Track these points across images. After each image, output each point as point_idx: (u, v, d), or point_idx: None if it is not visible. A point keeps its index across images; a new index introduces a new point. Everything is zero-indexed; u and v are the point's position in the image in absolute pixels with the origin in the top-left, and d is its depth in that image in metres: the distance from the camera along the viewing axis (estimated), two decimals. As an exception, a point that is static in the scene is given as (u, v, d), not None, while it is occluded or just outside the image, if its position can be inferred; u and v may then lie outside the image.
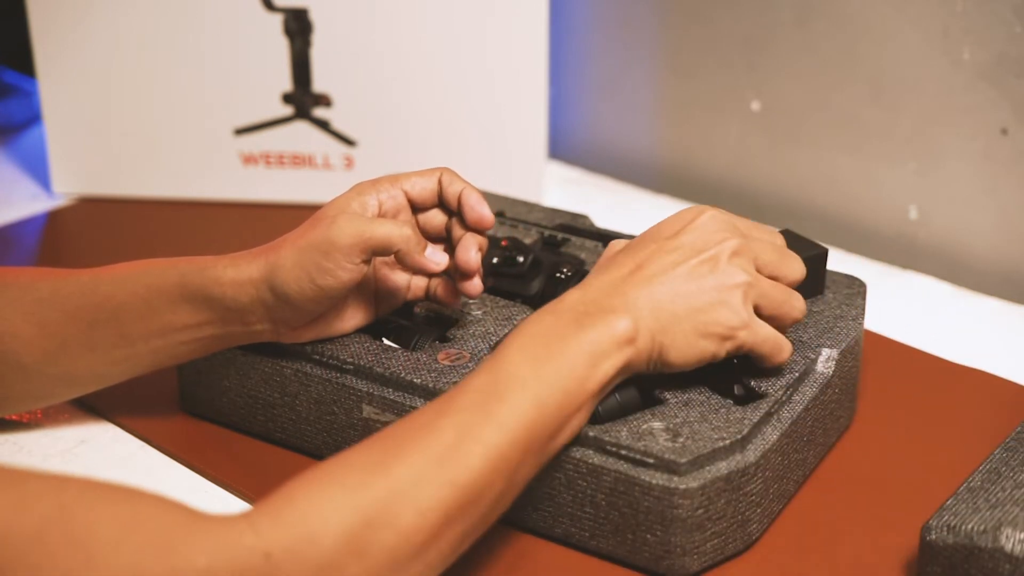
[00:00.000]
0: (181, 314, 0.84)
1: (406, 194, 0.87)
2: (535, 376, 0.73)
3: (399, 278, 0.90)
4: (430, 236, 0.89)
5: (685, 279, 0.79)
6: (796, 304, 0.82)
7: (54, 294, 0.85)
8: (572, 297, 0.78)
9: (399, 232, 0.82)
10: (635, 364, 0.78)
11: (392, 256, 0.84)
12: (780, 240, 0.85)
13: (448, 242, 0.89)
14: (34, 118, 1.44)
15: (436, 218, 0.88)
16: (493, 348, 0.86)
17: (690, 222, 0.81)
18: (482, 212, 0.85)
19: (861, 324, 0.91)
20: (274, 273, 0.82)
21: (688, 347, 0.79)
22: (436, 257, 0.84)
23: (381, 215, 0.86)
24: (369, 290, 0.88)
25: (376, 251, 0.82)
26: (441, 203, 0.88)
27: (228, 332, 0.85)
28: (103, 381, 0.88)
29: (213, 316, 0.84)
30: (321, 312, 0.85)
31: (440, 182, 0.87)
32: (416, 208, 0.88)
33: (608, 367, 0.76)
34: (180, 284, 0.83)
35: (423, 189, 0.87)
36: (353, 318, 0.88)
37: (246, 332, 0.85)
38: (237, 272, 0.82)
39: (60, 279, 0.86)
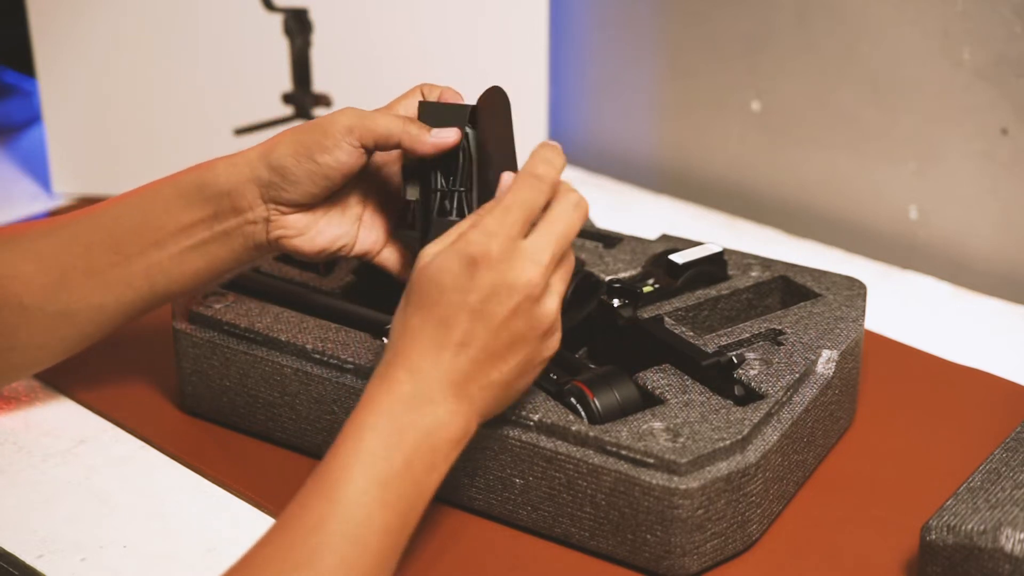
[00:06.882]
0: (175, 214, 0.86)
1: None
2: (381, 503, 0.71)
3: (383, 206, 0.90)
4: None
5: (508, 350, 0.76)
6: (574, 226, 0.78)
7: (51, 227, 0.89)
8: (404, 389, 0.74)
9: (399, 124, 0.84)
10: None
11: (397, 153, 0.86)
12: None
13: None
14: (34, 118, 1.44)
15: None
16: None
17: (478, 270, 0.74)
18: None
19: (861, 326, 0.91)
20: (271, 152, 0.85)
21: (510, 400, 0.78)
22: (444, 133, 0.85)
23: None
24: (355, 213, 0.89)
25: (377, 137, 0.84)
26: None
27: (221, 231, 0.86)
28: (101, 316, 0.88)
29: (206, 211, 0.86)
30: (316, 195, 0.86)
31: (423, 93, 0.88)
32: None
33: (445, 468, 0.74)
34: (173, 184, 0.87)
35: (412, 111, 0.87)
36: (336, 239, 0.88)
37: (239, 225, 0.86)
38: (231, 161, 0.86)
39: (60, 217, 0.89)
